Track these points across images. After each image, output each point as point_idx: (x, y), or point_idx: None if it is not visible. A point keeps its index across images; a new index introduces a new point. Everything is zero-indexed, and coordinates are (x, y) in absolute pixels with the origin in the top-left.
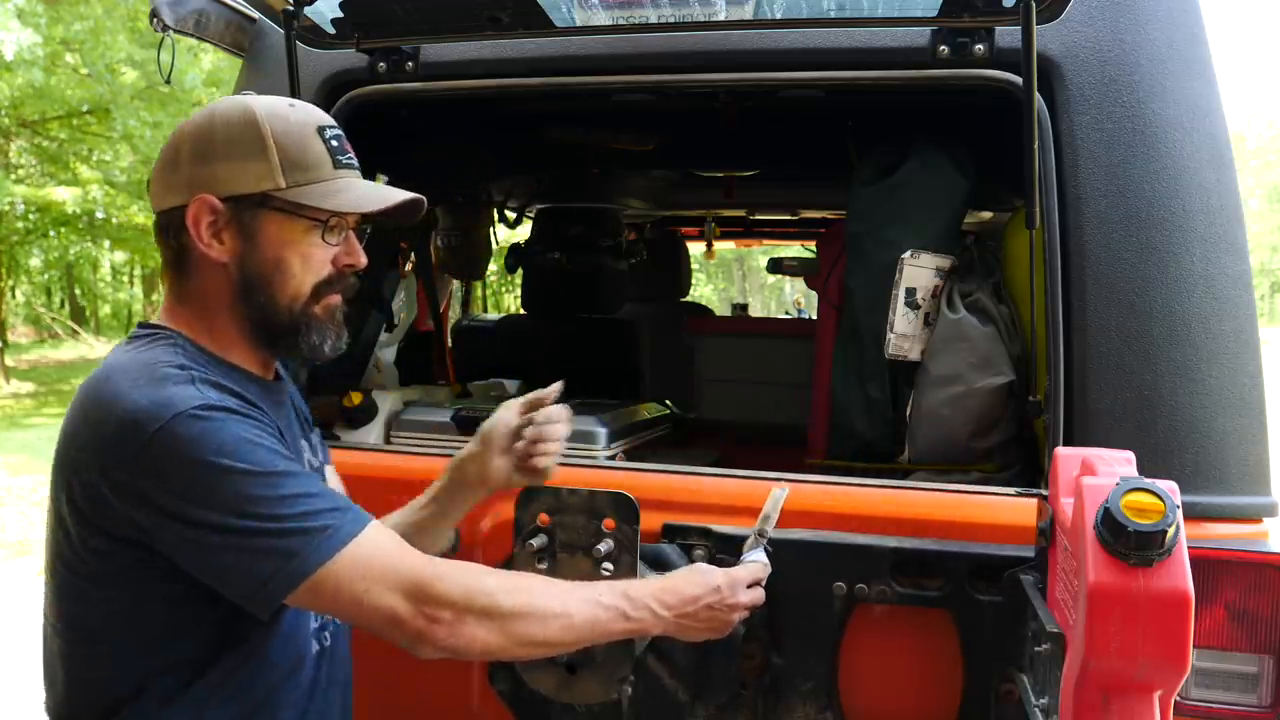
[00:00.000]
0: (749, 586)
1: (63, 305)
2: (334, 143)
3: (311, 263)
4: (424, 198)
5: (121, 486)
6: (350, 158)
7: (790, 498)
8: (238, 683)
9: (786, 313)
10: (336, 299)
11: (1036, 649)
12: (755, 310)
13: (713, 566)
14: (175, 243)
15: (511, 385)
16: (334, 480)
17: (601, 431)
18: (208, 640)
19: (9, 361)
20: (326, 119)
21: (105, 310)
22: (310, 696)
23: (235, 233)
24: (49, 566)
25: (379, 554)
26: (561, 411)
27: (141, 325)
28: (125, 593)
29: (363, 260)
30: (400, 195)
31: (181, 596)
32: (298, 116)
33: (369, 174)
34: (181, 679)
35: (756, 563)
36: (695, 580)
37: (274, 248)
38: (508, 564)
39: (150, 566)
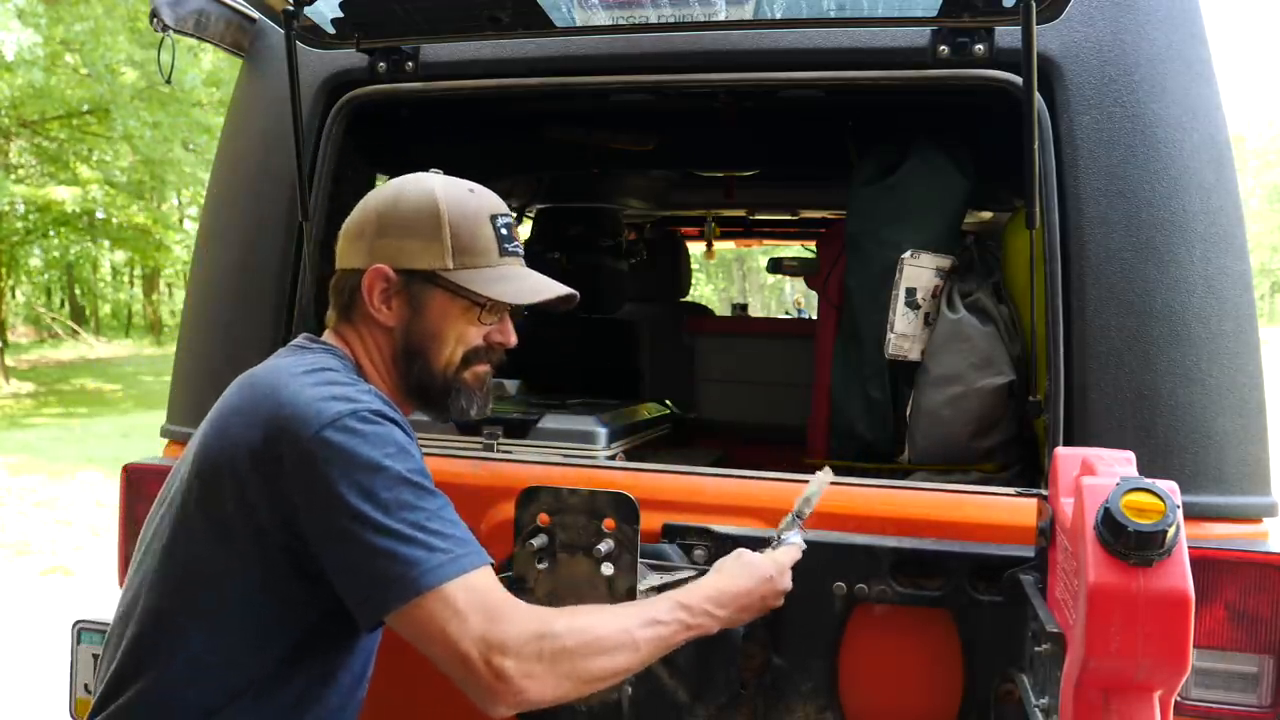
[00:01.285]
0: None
1: (63, 305)
2: (503, 231)
3: (466, 338)
4: (577, 294)
5: (290, 469)
6: (516, 246)
7: (791, 498)
8: (305, 705)
9: (786, 313)
10: (485, 368)
11: (1036, 649)
12: (755, 310)
13: (755, 555)
14: (349, 300)
15: (511, 385)
16: None
17: (601, 431)
18: (293, 651)
19: (9, 361)
20: (501, 207)
21: (105, 310)
22: None
23: (404, 302)
24: (164, 547)
25: (486, 595)
26: None
27: (307, 337)
28: (249, 576)
29: (513, 341)
30: (555, 290)
31: (298, 595)
32: (475, 204)
33: (369, 174)
34: (262, 685)
35: (795, 544)
36: (747, 575)
37: (435, 321)
38: (508, 564)
39: (282, 558)
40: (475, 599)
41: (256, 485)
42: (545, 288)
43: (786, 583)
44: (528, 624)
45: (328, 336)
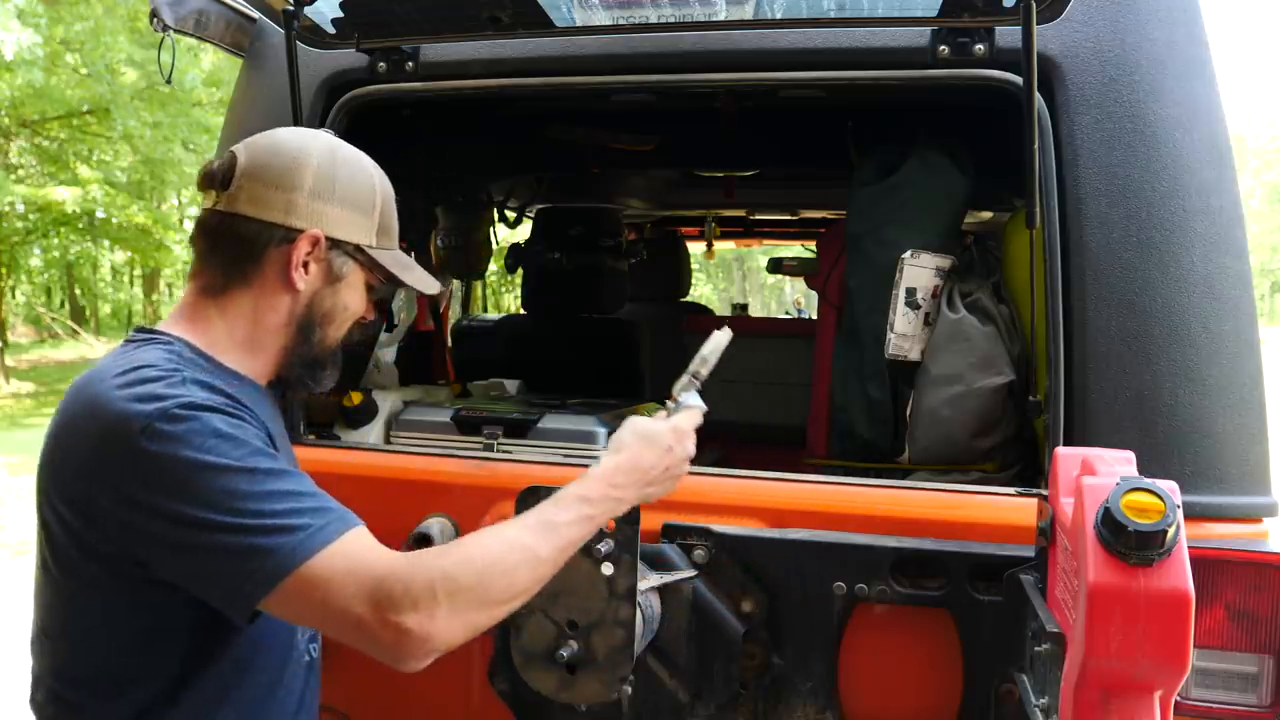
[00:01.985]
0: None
1: (63, 305)
2: (398, 217)
3: (359, 311)
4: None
5: (111, 489)
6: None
7: (790, 498)
8: (228, 694)
9: (786, 313)
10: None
11: (1036, 649)
12: (755, 310)
13: (650, 422)
14: (251, 251)
15: (512, 385)
16: None
17: (601, 431)
18: (191, 650)
19: (9, 361)
20: (394, 193)
21: (105, 310)
22: (299, 709)
23: (323, 271)
24: (39, 566)
25: (359, 559)
26: None
27: (138, 330)
28: (108, 595)
29: (374, 317)
30: (437, 286)
31: (163, 605)
32: (389, 185)
33: None
34: (166, 688)
35: (695, 408)
36: (645, 446)
37: (346, 294)
38: None
39: (134, 571)
40: (346, 565)
41: (89, 513)
42: (433, 281)
43: (689, 448)
44: (412, 572)
45: (169, 318)
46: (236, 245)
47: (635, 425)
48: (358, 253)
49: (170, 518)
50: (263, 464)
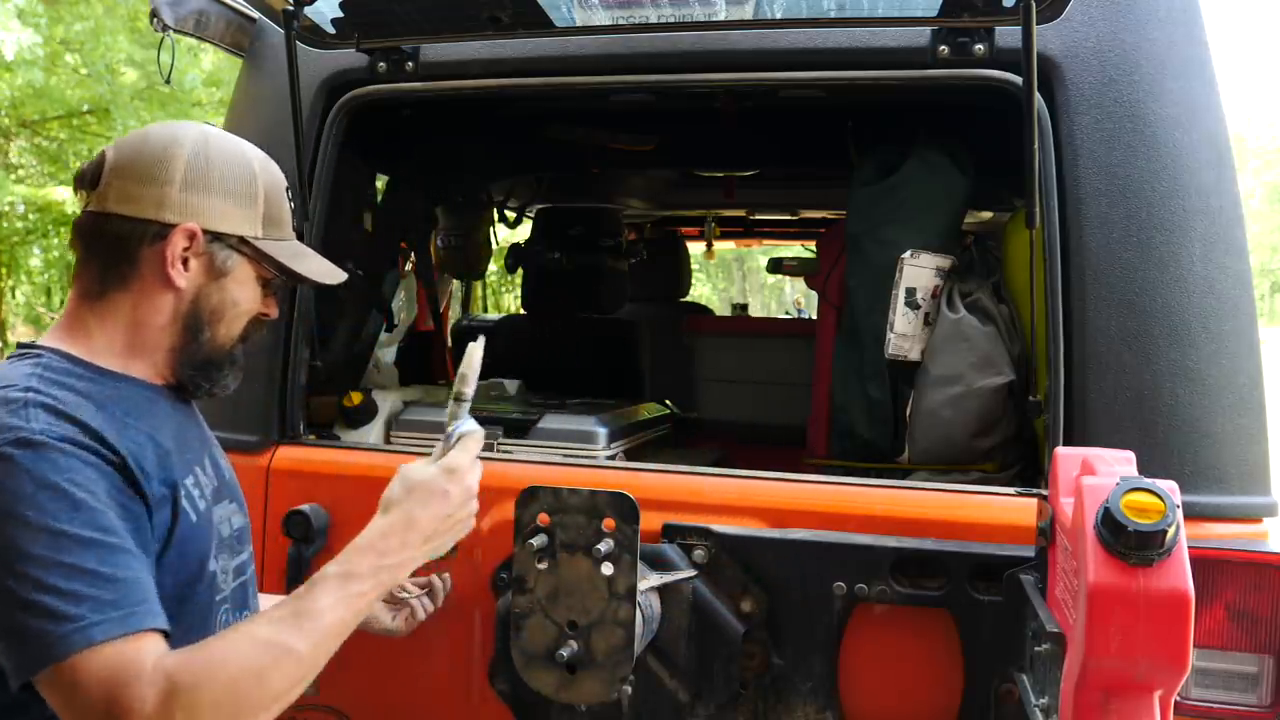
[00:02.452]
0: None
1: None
2: (293, 205)
3: (253, 306)
4: (344, 274)
5: None
6: (296, 221)
7: (790, 498)
8: None
9: (786, 313)
10: (247, 340)
11: (1036, 649)
12: (755, 310)
13: (420, 470)
14: (124, 251)
15: (512, 385)
16: (230, 514)
17: (601, 431)
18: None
19: None
20: (286, 181)
21: None
22: None
23: (204, 266)
24: None
25: (112, 670)
26: (439, 586)
27: (19, 345)
28: None
29: (275, 312)
30: (339, 273)
31: None
32: (276, 173)
33: (369, 175)
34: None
35: (470, 435)
36: (416, 500)
37: (234, 289)
38: (507, 564)
39: None
40: (97, 675)
41: None
42: (334, 271)
43: (469, 484)
44: (156, 690)
45: (56, 325)
46: (109, 246)
47: (404, 476)
48: (242, 245)
49: None
50: (73, 529)
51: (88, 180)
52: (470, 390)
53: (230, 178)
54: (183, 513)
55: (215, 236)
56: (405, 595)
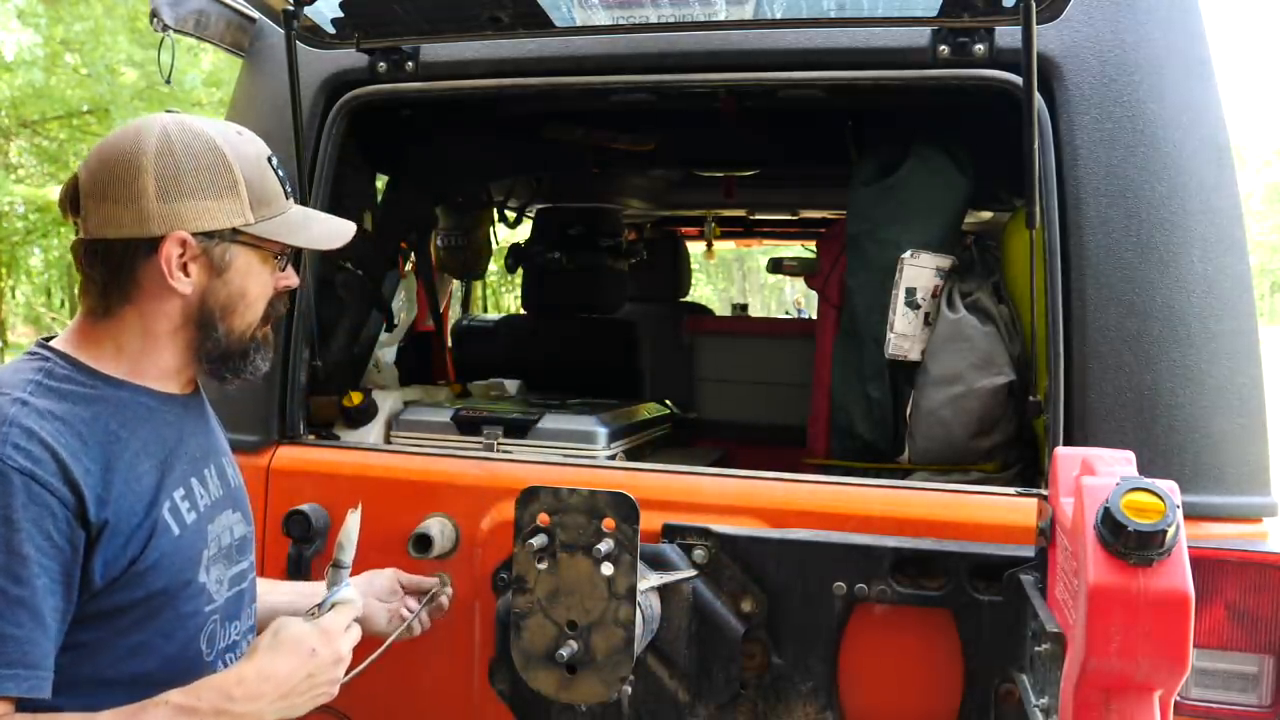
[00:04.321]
0: (347, 629)
1: (63, 305)
2: (280, 172)
3: (266, 289)
4: (354, 225)
5: None
6: (291, 185)
7: (791, 498)
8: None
9: (786, 313)
10: (273, 318)
11: (1036, 649)
12: (755, 310)
13: (297, 625)
14: (122, 270)
15: (512, 385)
16: (233, 523)
17: (601, 431)
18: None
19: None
20: (267, 149)
21: None
22: None
23: (204, 266)
24: None
25: None
26: (444, 602)
27: (38, 343)
28: None
29: (295, 281)
30: (347, 228)
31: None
32: (253, 148)
33: (369, 174)
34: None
35: (346, 603)
36: (281, 653)
37: (241, 280)
38: (507, 564)
39: None
40: None
41: None
42: (341, 228)
43: (339, 649)
44: None
45: (69, 329)
46: (106, 269)
47: (279, 628)
48: (235, 236)
49: None
50: None
51: (68, 207)
52: (349, 558)
53: (203, 174)
54: (163, 528)
55: (207, 235)
56: (406, 613)
